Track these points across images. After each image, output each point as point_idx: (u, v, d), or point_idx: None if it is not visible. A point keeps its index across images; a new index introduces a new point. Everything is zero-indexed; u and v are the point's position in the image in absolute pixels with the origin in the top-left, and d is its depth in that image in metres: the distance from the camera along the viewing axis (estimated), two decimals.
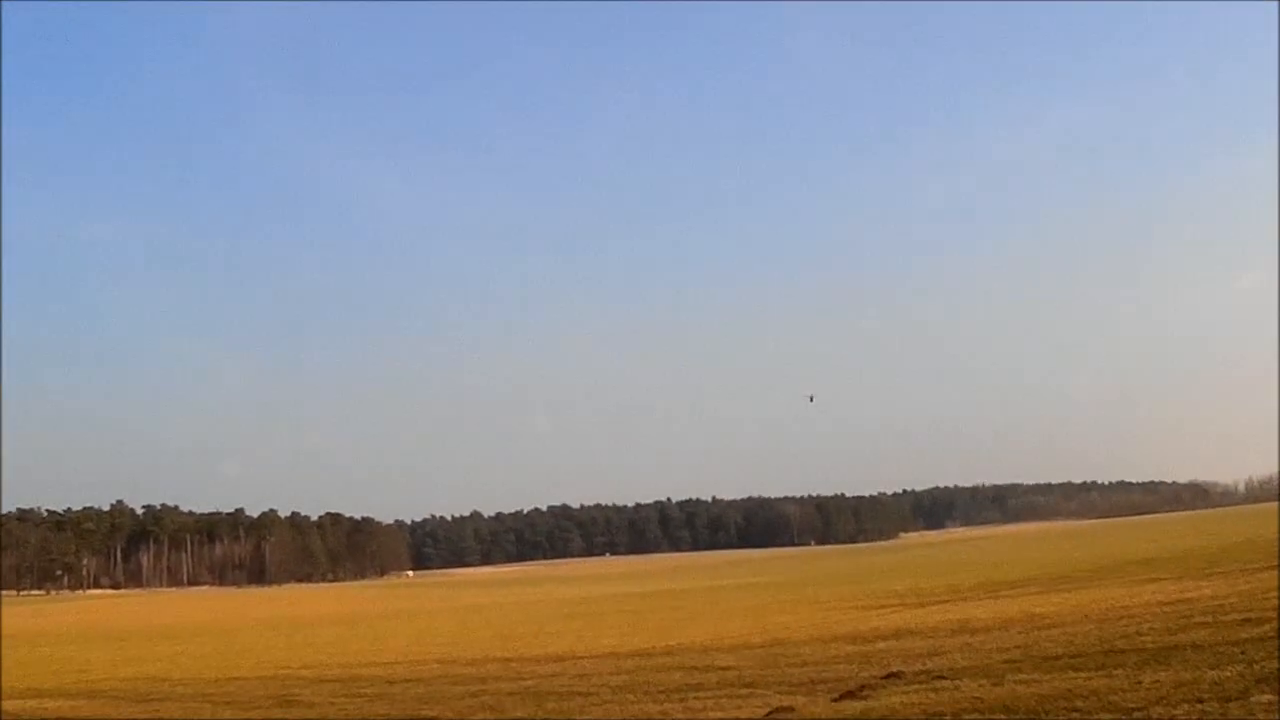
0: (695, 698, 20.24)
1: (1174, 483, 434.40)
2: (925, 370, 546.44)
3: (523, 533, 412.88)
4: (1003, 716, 14.12)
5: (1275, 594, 27.06)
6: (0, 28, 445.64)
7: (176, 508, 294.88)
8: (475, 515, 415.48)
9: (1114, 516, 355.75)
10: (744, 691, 20.60)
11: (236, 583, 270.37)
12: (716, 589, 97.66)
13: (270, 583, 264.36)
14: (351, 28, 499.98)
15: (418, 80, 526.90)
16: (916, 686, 17.99)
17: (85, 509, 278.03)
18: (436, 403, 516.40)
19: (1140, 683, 15.45)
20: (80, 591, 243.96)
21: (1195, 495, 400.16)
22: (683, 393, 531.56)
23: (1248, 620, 22.30)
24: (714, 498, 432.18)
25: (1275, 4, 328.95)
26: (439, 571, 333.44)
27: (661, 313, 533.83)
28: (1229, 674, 15.32)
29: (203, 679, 35.19)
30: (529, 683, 26.30)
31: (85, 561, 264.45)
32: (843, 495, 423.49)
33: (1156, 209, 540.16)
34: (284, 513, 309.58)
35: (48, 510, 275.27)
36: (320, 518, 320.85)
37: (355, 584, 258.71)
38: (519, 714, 20.75)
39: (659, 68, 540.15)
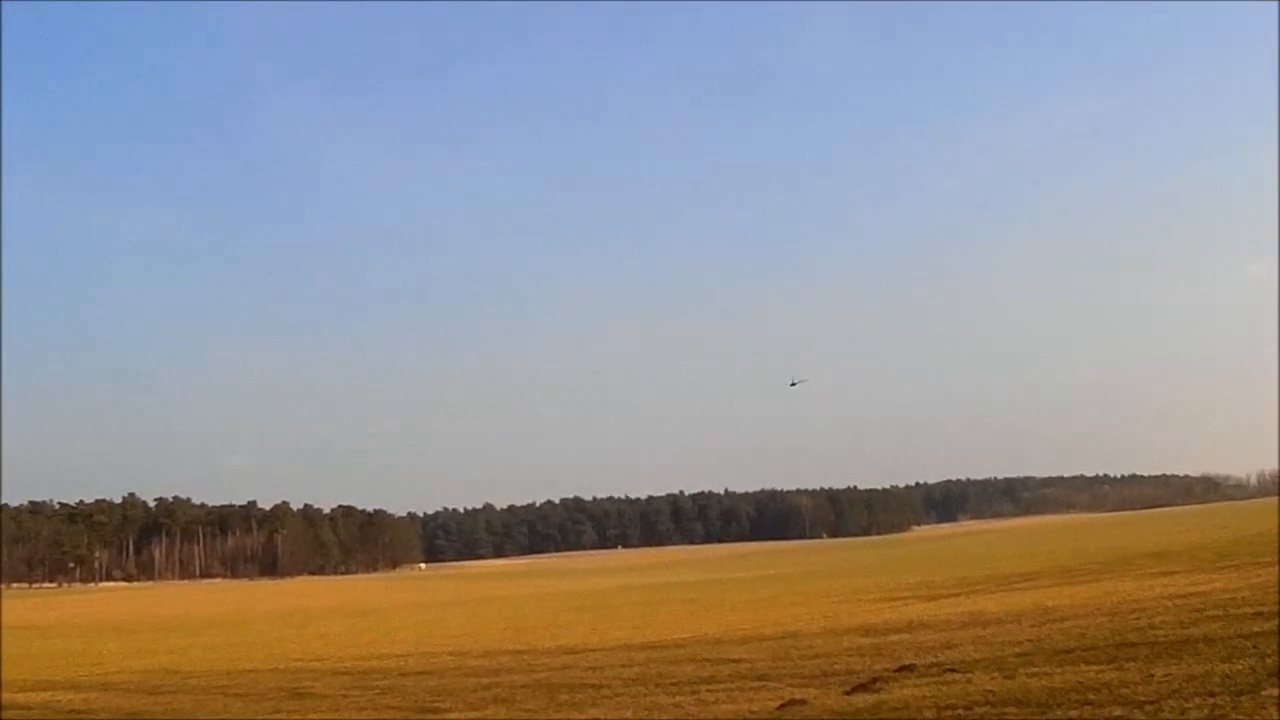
0: (707, 690, 20.25)
1: (1185, 476, 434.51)
2: (937, 363, 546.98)
3: (535, 525, 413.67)
4: (1015, 709, 14.11)
5: None
6: (0, 24, 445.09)
7: (188, 500, 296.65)
8: (487, 508, 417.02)
9: (1125, 509, 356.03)
10: (756, 684, 20.62)
11: (248, 575, 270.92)
12: (728, 581, 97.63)
13: (282, 575, 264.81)
14: (360, 22, 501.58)
15: (430, 74, 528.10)
16: (929, 679, 17.98)
17: (97, 501, 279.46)
18: (449, 395, 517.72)
19: (1152, 676, 15.45)
20: (92, 584, 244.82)
21: (1207, 488, 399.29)
22: (695, 385, 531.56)
23: (1259, 614, 22.28)
24: (726, 490, 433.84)
25: None
26: (451, 564, 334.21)
27: (674, 305, 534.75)
28: (1240, 667, 15.33)
29: (214, 671, 35.30)
30: (541, 675, 26.32)
31: (97, 554, 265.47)
32: (855, 488, 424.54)
33: (1164, 200, 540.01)
34: (296, 505, 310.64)
35: (60, 503, 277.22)
36: (332, 510, 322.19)
37: (367, 576, 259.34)
38: (531, 706, 20.74)
39: (672, 63, 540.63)
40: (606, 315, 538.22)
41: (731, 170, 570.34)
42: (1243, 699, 13.06)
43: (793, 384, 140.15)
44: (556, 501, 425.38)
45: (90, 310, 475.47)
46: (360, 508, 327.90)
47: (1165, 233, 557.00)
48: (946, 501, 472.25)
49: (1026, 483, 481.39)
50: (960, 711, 14.31)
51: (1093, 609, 29.98)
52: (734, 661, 25.48)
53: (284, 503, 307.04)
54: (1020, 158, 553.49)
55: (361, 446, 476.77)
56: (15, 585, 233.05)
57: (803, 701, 17.08)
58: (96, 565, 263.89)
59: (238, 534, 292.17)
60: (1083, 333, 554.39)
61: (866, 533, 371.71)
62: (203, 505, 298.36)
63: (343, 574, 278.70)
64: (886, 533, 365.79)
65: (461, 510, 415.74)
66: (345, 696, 25.35)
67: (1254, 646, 17.36)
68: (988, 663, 19.48)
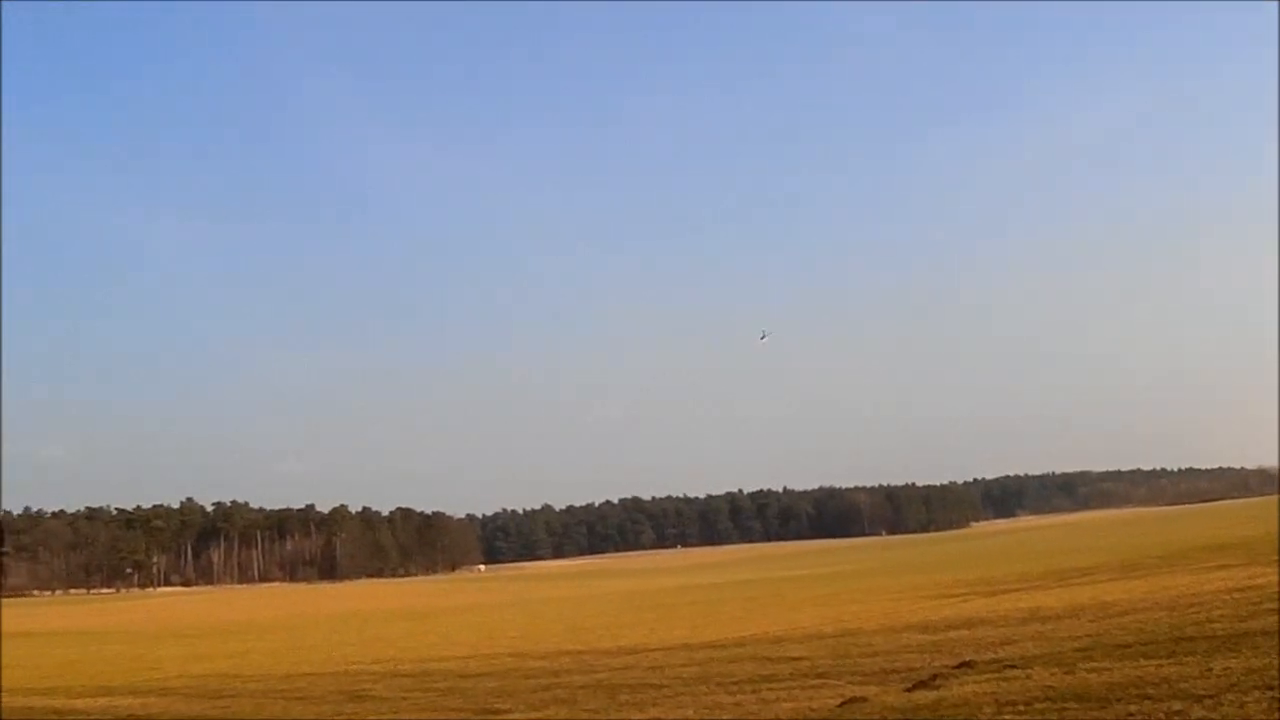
0: (768, 688, 20.35)
1: (1242, 469, 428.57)
2: (994, 360, 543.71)
3: (594, 525, 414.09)
4: (1074, 705, 14.18)
5: None
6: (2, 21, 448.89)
7: (246, 504, 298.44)
8: (546, 508, 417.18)
9: (1183, 503, 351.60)
10: (816, 682, 20.72)
11: (307, 578, 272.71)
12: (787, 579, 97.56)
13: (341, 578, 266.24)
14: (396, 21, 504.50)
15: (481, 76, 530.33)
16: (988, 675, 18.04)
17: (155, 507, 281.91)
18: (507, 397, 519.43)
19: (1211, 670, 15.48)
20: (150, 589, 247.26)
21: (1263, 481, 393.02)
22: (753, 383, 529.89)
23: None
24: (785, 488, 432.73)
25: None
26: (510, 565, 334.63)
27: (732, 304, 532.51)
28: None
29: (273, 675, 35.51)
30: (601, 675, 26.44)
31: (155, 559, 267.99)
32: (913, 485, 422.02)
33: (1224, 192, 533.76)
34: (354, 508, 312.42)
35: (117, 509, 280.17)
36: (391, 513, 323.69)
37: (426, 579, 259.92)
38: (591, 706, 20.89)
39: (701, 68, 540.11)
40: (663, 316, 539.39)
41: (782, 175, 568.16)
42: None
43: (762, 337, 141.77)
44: (615, 501, 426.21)
45: (148, 318, 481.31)
46: (419, 510, 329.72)
47: (1225, 221, 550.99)
48: (1004, 497, 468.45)
49: (1084, 477, 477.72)
50: (1020, 707, 14.39)
51: (1151, 603, 29.87)
52: (794, 660, 25.54)
53: (342, 505, 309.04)
54: (1079, 149, 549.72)
55: (420, 449, 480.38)
56: (73, 591, 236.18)
57: (863, 699, 17.20)
58: (154, 570, 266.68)
59: (296, 537, 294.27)
60: (1139, 327, 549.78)
61: (925, 529, 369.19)
62: (260, 509, 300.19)
63: (401, 576, 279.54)
64: (945, 529, 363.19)
65: (520, 511, 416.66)
66: (405, 699, 25.54)
67: None
68: (1047, 658, 19.53)
